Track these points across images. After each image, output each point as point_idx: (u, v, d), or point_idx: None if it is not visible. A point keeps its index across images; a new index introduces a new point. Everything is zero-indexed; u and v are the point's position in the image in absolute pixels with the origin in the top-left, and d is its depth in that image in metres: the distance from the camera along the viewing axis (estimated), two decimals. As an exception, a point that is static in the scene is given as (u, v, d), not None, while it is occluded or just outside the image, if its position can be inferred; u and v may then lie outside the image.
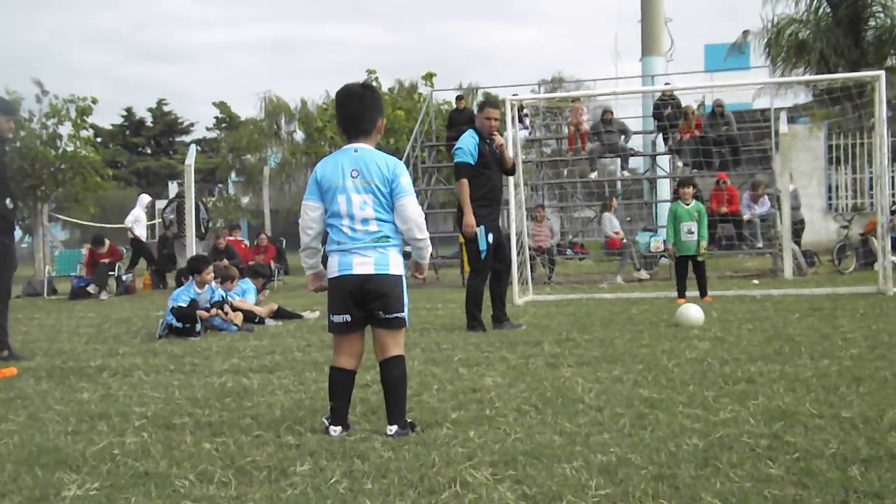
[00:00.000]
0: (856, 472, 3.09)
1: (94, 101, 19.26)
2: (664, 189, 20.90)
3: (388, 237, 3.97)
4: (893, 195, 13.96)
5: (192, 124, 57.24)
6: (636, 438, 3.70)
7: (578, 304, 10.38)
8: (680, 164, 17.11)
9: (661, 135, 18.10)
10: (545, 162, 20.32)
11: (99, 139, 36.81)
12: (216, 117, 53.10)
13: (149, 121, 55.86)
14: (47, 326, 9.85)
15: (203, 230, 16.13)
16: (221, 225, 23.66)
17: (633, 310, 9.31)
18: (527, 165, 16.83)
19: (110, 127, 52.59)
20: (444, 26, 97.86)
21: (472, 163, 7.64)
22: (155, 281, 17.12)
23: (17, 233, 13.64)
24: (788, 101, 24.34)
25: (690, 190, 10.29)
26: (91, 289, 15.01)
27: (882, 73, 10.74)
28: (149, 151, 55.59)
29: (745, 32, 24.92)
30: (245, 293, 9.79)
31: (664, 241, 12.60)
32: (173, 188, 26.75)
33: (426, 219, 5.95)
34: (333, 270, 3.98)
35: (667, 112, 17.37)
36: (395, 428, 3.89)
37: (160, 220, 18.36)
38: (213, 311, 8.52)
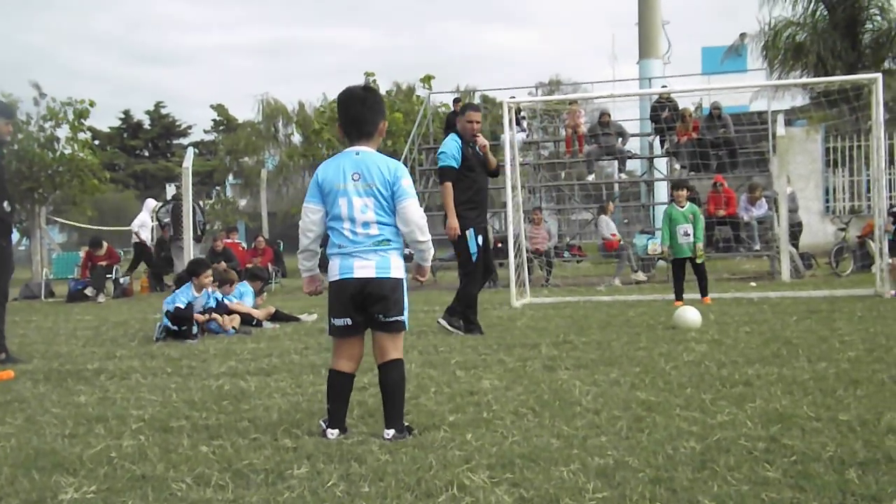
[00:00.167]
0: (853, 475, 3.10)
1: (92, 104, 19.27)
2: (661, 192, 20.88)
3: (389, 240, 3.97)
4: (891, 197, 14.00)
5: (189, 127, 57.39)
6: (633, 441, 3.70)
7: (576, 306, 10.38)
8: (677, 166, 17.11)
9: (658, 137, 18.08)
10: (542, 164, 20.35)
11: (96, 142, 36.90)
12: (214, 120, 53.18)
13: (146, 123, 55.94)
14: (44, 329, 9.83)
15: (199, 233, 16.11)
16: (219, 227, 23.62)
17: (631, 312, 9.32)
18: (524, 168, 16.82)
19: (108, 130, 52.68)
20: (441, 29, 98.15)
21: (456, 166, 7.69)
22: (152, 284, 17.10)
23: (15, 235, 13.60)
24: (786, 104, 24.30)
25: (685, 192, 10.29)
26: (88, 291, 14.99)
27: (879, 75, 10.81)
28: (146, 154, 55.66)
29: (743, 35, 24.90)
30: (243, 296, 9.79)
31: (660, 243, 12.61)
32: (170, 191, 26.72)
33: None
34: (335, 274, 3.96)
35: (664, 114, 17.35)
36: (392, 431, 3.88)
37: (156, 221, 18.34)
38: (208, 315, 8.52)
